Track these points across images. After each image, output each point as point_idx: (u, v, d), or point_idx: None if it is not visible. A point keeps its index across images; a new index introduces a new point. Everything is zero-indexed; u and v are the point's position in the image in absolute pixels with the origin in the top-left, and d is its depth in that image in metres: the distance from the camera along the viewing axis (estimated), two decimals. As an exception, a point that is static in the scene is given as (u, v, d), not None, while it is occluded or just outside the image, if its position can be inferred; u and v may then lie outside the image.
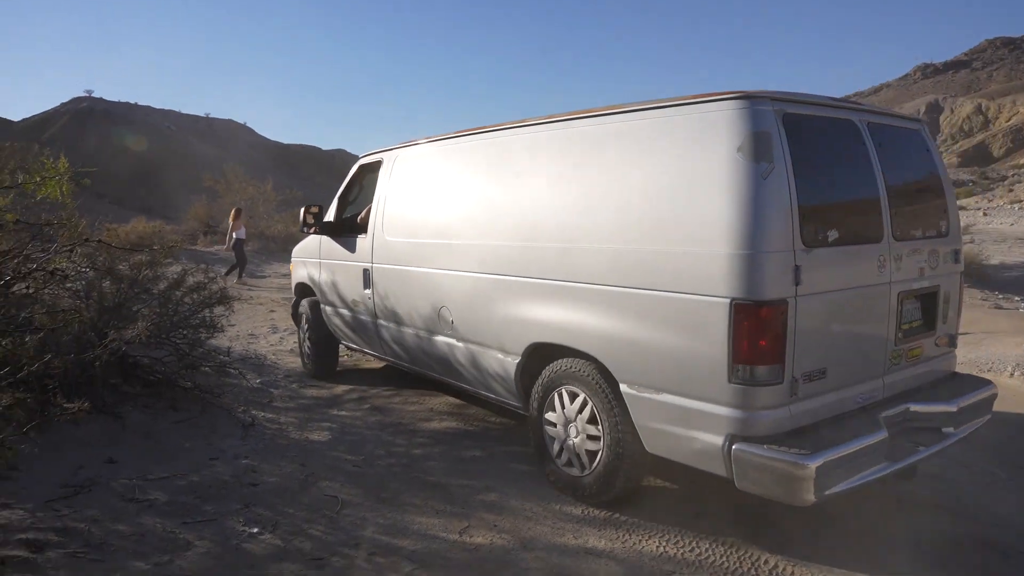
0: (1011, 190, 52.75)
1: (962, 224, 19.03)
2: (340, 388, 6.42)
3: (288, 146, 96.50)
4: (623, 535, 3.54)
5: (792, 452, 2.92)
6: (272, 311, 10.94)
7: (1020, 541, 3.63)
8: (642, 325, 3.41)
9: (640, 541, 3.47)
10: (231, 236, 14.87)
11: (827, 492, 2.90)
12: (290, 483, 4.13)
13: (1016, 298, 12.21)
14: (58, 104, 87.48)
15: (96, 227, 6.54)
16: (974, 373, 7.31)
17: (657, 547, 3.42)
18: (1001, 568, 3.36)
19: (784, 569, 3.23)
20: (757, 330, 2.99)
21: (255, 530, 3.49)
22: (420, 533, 3.54)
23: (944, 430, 3.62)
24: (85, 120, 79.03)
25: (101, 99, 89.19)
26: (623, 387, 3.55)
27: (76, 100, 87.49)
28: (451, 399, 5.97)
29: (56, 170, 3.44)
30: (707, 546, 3.43)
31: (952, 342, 4.19)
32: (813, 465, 2.84)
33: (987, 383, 4.16)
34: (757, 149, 3.03)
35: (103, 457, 4.25)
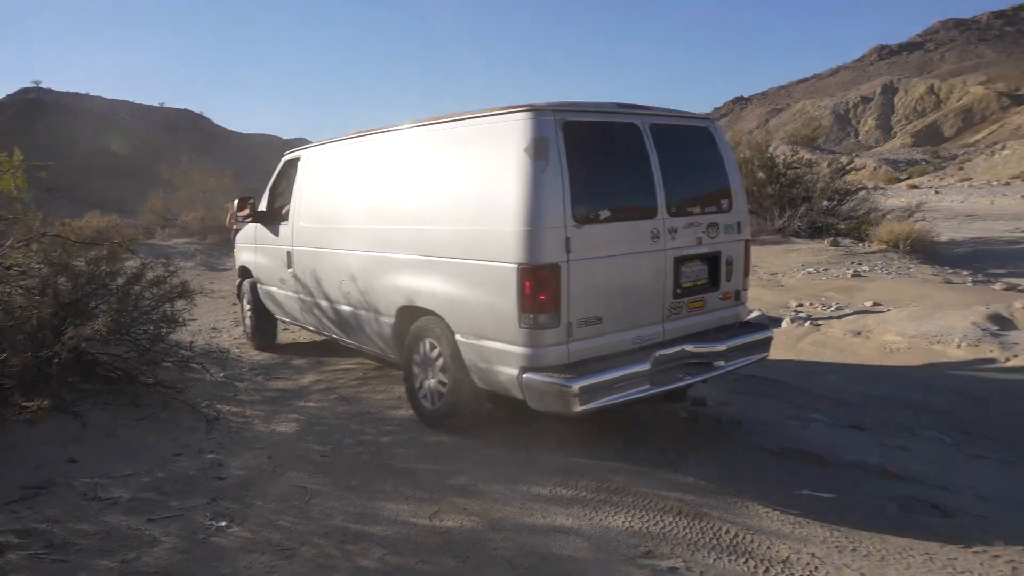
0: (961, 168, 54.26)
1: (915, 203, 19.46)
2: (307, 379, 6.39)
3: (247, 135, 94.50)
4: (590, 512, 3.61)
5: (562, 377, 3.88)
6: (234, 304, 10.79)
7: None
8: (467, 287, 4.33)
9: (607, 517, 3.56)
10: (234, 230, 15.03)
11: (591, 406, 3.86)
12: (258, 475, 4.12)
13: (964, 272, 12.64)
14: (3, 96, 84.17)
15: (48, 222, 6.37)
16: (924, 344, 7.57)
17: (623, 522, 3.50)
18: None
19: (744, 538, 3.35)
20: (536, 287, 3.92)
21: (223, 523, 3.48)
22: (390, 519, 3.57)
23: (716, 364, 4.54)
24: (34, 112, 76.29)
25: (50, 90, 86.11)
26: (458, 336, 4.44)
27: (24, 91, 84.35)
28: (419, 387, 5.98)
29: (10, 164, 3.34)
30: (671, 519, 3.53)
31: (738, 296, 5.07)
32: (576, 386, 3.81)
33: (763, 329, 5.11)
34: (537, 150, 3.94)
35: (63, 456, 4.18)
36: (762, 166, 18.01)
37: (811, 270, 12.50)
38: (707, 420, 5.21)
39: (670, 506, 3.67)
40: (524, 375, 3.98)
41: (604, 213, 4.16)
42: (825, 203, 17.78)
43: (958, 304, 8.97)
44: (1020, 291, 10.48)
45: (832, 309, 9.54)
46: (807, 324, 8.77)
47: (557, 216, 3.93)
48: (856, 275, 11.92)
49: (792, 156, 20.34)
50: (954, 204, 30.51)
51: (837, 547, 3.31)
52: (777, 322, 8.92)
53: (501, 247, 4.03)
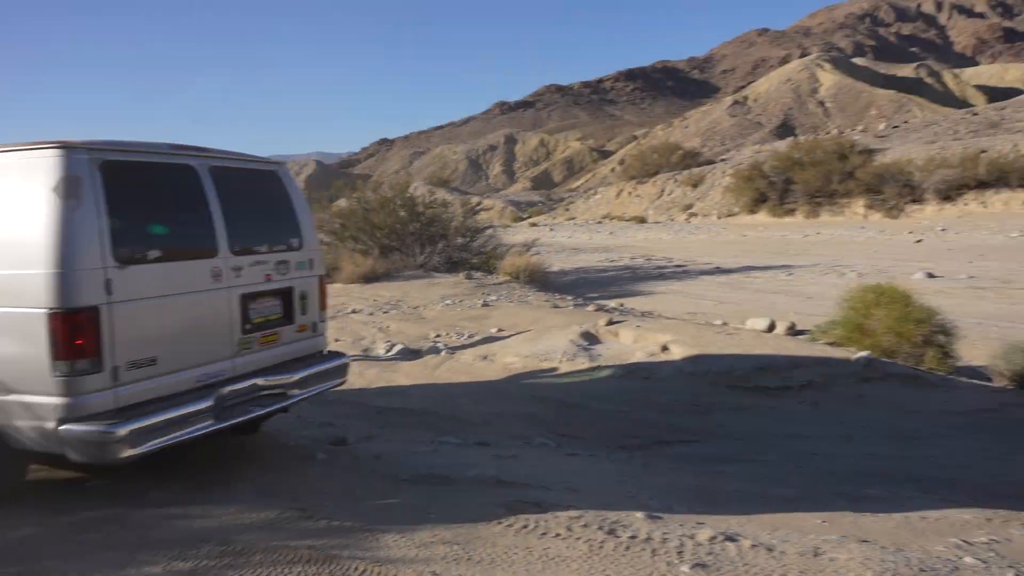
0: (567, 209, 65.05)
1: (532, 239, 22.70)
2: None
3: None
4: (210, 582, 3.34)
5: (106, 424, 3.73)
6: None
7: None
8: None
9: (230, 583, 3.33)
10: None
11: (143, 449, 3.81)
12: None
13: (569, 297, 15.06)
14: None
15: None
16: (536, 362, 8.77)
17: (249, 585, 3.32)
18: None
19: (372, 572, 3.43)
20: (71, 332, 3.72)
21: None
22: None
23: (291, 393, 4.80)
24: None
25: None
26: None
27: None
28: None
29: None
30: (300, 569, 3.42)
31: (315, 328, 5.33)
32: (121, 432, 3.71)
33: (338, 356, 5.47)
34: (68, 189, 3.78)
35: None
36: (404, 205, 19.09)
37: (449, 302, 13.58)
38: (347, 459, 5.26)
39: (300, 555, 3.59)
40: (62, 427, 3.73)
41: (154, 253, 4.13)
42: (460, 240, 19.57)
43: (562, 325, 10.62)
44: (606, 311, 12.86)
45: (465, 337, 10.49)
46: (443, 353, 9.50)
47: (94, 257, 3.79)
48: (485, 304, 13.31)
49: (430, 196, 22.04)
50: (563, 239, 36.26)
51: (455, 560, 3.60)
52: (417, 354, 9.49)
53: (29, 292, 3.77)
